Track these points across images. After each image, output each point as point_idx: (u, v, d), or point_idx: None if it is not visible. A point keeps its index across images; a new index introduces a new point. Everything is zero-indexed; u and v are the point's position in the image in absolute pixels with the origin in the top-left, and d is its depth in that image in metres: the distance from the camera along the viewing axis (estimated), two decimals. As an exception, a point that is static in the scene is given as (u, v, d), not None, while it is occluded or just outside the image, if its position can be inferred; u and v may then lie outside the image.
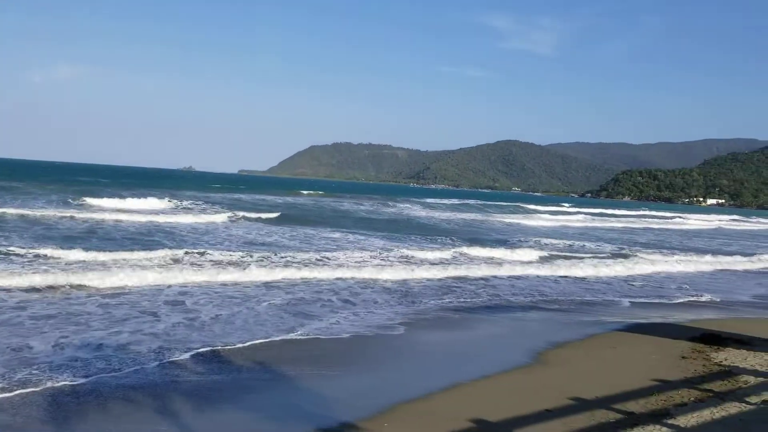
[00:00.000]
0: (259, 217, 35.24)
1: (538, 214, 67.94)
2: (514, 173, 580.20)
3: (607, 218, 71.23)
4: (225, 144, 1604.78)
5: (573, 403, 7.78)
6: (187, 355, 9.14)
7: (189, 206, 40.91)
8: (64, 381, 7.74)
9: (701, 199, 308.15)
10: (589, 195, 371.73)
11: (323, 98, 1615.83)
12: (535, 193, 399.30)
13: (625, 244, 34.94)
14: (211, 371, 8.59)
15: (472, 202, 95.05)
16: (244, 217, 34.69)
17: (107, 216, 29.45)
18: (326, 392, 8.05)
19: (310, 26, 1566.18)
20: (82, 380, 7.84)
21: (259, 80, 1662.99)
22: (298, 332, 10.94)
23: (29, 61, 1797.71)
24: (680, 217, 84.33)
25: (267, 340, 10.31)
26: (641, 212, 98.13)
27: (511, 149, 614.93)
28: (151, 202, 40.27)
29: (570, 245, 31.31)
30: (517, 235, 37.35)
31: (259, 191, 77.39)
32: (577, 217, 65.77)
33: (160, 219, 29.85)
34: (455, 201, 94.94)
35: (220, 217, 33.23)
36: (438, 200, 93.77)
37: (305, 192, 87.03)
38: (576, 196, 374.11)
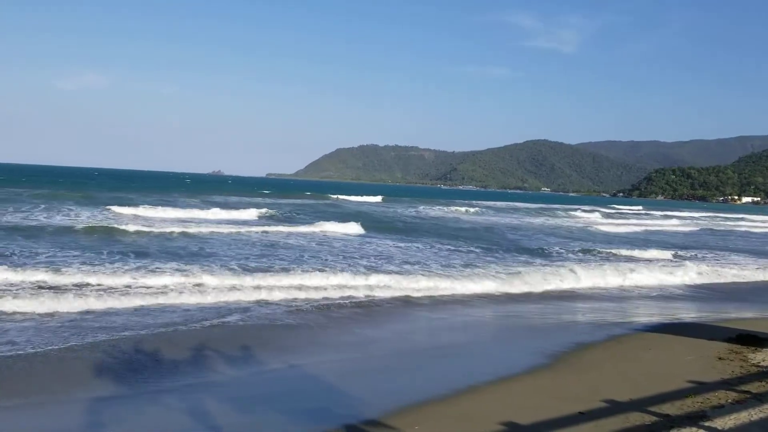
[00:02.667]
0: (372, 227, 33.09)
1: (613, 218, 65.84)
2: (543, 173, 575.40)
3: (685, 220, 69.11)
4: (253, 147, 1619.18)
5: (606, 406, 7.66)
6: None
7: (279, 216, 40.22)
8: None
9: (736, 197, 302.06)
10: (621, 194, 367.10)
11: (349, 101, 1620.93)
12: (570, 194, 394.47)
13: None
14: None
15: (532, 206, 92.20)
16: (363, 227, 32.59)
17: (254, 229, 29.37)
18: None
19: (336, 29, 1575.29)
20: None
21: (285, 83, 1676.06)
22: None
23: (60, 69, 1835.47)
24: (743, 219, 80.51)
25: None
26: (704, 213, 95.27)
27: (540, 149, 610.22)
28: (251, 213, 39.29)
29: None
30: (637, 243, 35.56)
31: (310, 196, 76.85)
32: (669, 221, 63.87)
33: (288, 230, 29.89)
34: (521, 204, 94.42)
35: (345, 228, 31.76)
36: (494, 203, 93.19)
37: (361, 198, 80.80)
38: (608, 195, 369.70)
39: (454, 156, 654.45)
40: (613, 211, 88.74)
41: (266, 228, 30.23)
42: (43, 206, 35.64)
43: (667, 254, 27.60)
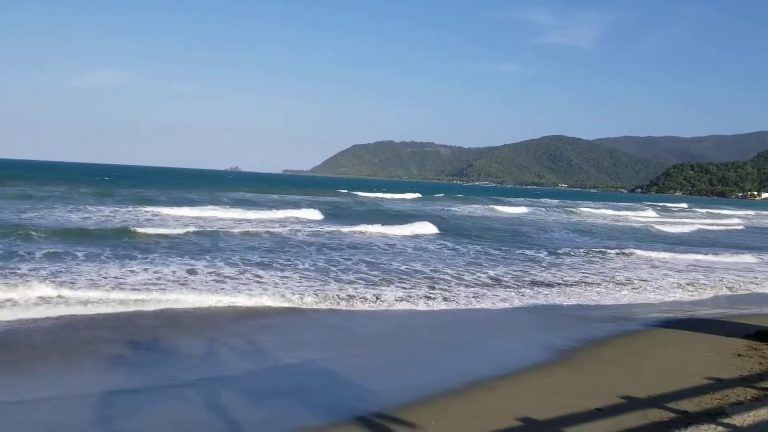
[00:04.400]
0: (434, 232, 31.04)
1: (666, 217, 63.83)
2: (560, 169, 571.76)
3: (730, 219, 67.17)
4: (269, 144, 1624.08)
5: (624, 402, 7.65)
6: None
7: (343, 214, 40.04)
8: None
9: (755, 193, 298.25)
10: (639, 190, 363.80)
11: (365, 97, 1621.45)
12: (591, 190, 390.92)
13: None
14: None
15: (568, 202, 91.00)
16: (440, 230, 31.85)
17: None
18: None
19: (352, 27, 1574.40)
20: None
21: (302, 81, 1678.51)
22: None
23: (78, 67, 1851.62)
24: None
25: None
26: (746, 211, 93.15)
27: (557, 144, 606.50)
28: (311, 213, 38.60)
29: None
30: (707, 244, 34.13)
31: (345, 194, 75.70)
32: (720, 220, 62.15)
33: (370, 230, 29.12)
34: (549, 201, 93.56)
35: (418, 228, 31.04)
36: (537, 200, 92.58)
37: (398, 196, 78.83)
38: (625, 191, 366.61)
39: (470, 152, 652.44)
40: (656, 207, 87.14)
41: (356, 228, 29.44)
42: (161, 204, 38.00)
43: (749, 257, 26.33)
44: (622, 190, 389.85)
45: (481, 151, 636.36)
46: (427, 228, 31.50)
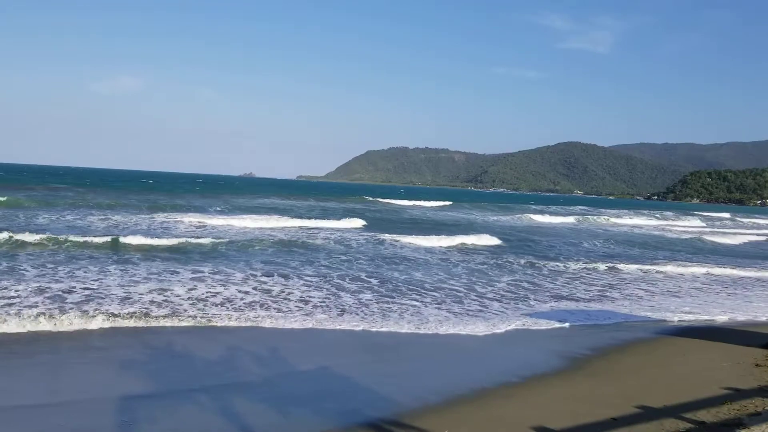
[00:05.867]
0: (490, 245, 30.20)
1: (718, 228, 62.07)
2: (575, 176, 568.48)
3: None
4: (283, 150, 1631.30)
5: (640, 412, 7.59)
6: None
7: (381, 225, 38.91)
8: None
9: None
10: (656, 197, 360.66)
11: (380, 103, 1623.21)
12: (609, 197, 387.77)
13: None
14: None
15: (607, 210, 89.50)
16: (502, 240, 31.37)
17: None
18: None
19: (365, 31, 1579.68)
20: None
21: (315, 86, 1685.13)
22: None
23: (95, 73, 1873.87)
24: None
25: None
26: None
27: (572, 151, 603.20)
28: (355, 222, 37.93)
29: None
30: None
31: (371, 202, 73.59)
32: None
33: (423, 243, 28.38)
34: (583, 208, 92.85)
35: (479, 239, 30.61)
36: (565, 207, 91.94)
37: (430, 203, 77.25)
38: (642, 198, 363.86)
39: (485, 158, 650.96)
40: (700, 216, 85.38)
41: (397, 237, 29.04)
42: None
43: None
44: (638, 197, 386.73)
45: (495, 157, 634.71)
46: (487, 240, 31.12)
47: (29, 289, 13.09)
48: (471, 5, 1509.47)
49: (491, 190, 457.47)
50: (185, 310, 12.19)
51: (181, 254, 20.21)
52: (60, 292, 12.95)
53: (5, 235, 20.32)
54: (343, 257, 21.97)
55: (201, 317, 11.74)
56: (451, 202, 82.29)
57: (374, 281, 17.30)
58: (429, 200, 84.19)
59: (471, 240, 30.40)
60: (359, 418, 7.26)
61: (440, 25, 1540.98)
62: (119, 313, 11.51)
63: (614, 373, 9.60)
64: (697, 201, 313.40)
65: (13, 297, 12.27)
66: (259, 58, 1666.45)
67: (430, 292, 16.13)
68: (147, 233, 24.72)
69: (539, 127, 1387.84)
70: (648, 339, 12.17)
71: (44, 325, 10.49)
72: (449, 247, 28.10)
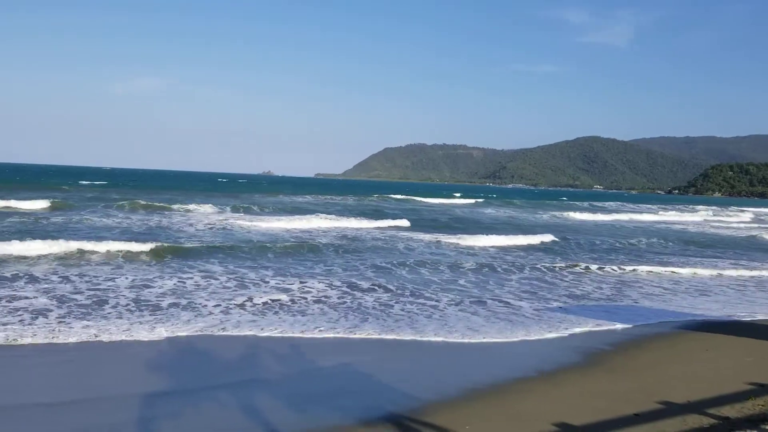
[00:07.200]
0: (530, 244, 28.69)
1: None
2: (595, 170, 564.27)
3: None
4: (300, 148, 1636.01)
5: (662, 408, 7.51)
6: None
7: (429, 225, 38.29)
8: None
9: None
10: (677, 191, 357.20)
11: (397, 100, 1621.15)
12: (632, 191, 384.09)
13: None
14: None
15: (649, 207, 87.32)
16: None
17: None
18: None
19: (381, 29, 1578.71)
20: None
21: (333, 84, 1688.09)
22: None
23: (113, 74, 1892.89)
24: None
25: None
26: None
27: (592, 146, 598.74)
28: (401, 222, 37.15)
29: None
30: None
31: (405, 200, 71.32)
32: None
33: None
34: (621, 204, 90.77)
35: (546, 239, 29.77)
36: (605, 204, 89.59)
37: (462, 201, 76.48)
38: (662, 193, 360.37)
39: (503, 154, 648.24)
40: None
41: (453, 239, 27.72)
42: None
43: None
44: (659, 192, 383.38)
45: (514, 153, 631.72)
46: (548, 238, 30.16)
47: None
48: (487, 2, 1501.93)
49: (510, 186, 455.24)
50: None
51: (251, 255, 20.41)
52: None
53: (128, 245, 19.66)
54: (426, 268, 19.31)
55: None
56: (482, 199, 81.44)
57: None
58: (456, 198, 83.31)
59: (530, 240, 29.05)
60: (380, 412, 7.27)
61: (458, 23, 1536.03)
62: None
63: (634, 369, 9.50)
64: (719, 195, 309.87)
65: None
66: (277, 59, 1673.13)
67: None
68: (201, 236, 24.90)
69: (558, 122, 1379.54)
70: (668, 334, 12.03)
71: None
72: (517, 246, 27.31)
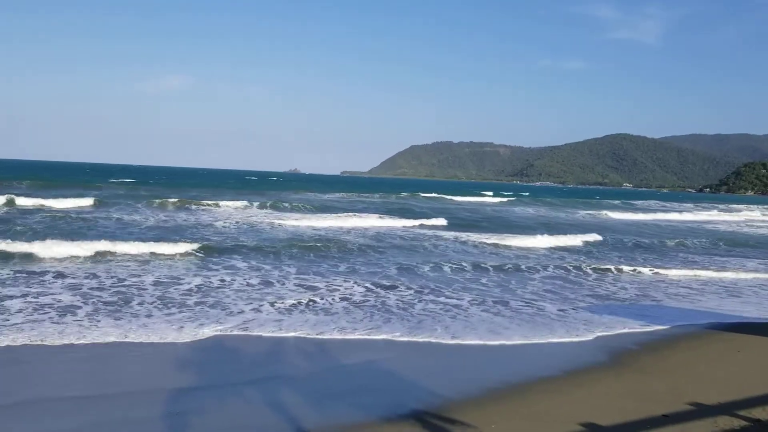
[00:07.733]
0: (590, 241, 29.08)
1: None
2: (624, 168, 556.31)
3: None
4: (327, 146, 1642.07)
5: (692, 409, 7.38)
6: None
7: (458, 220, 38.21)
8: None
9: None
10: (708, 190, 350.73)
11: (423, 98, 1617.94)
12: (663, 190, 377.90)
13: None
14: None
15: (717, 206, 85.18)
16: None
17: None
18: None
19: (409, 29, 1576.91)
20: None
21: (359, 83, 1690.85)
22: None
23: (142, 74, 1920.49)
24: None
25: None
26: None
27: (621, 143, 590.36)
28: (436, 221, 35.83)
29: None
30: None
31: (448, 201, 69.20)
32: None
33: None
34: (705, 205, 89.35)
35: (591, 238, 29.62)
36: (662, 204, 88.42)
37: (496, 199, 76.21)
38: (693, 191, 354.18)
39: (531, 152, 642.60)
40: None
41: (495, 239, 27.04)
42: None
43: None
44: (690, 190, 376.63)
45: (541, 150, 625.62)
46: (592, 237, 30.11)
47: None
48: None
49: (538, 183, 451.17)
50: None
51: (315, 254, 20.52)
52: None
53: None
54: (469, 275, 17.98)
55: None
56: (513, 198, 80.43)
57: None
58: (487, 196, 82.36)
59: (573, 240, 28.62)
60: (403, 410, 7.27)
61: (485, 21, 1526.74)
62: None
63: (664, 369, 9.34)
64: (752, 193, 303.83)
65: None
66: (304, 58, 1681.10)
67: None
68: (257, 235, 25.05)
69: (586, 120, 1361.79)
70: (699, 334, 11.81)
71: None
72: (566, 246, 26.90)
